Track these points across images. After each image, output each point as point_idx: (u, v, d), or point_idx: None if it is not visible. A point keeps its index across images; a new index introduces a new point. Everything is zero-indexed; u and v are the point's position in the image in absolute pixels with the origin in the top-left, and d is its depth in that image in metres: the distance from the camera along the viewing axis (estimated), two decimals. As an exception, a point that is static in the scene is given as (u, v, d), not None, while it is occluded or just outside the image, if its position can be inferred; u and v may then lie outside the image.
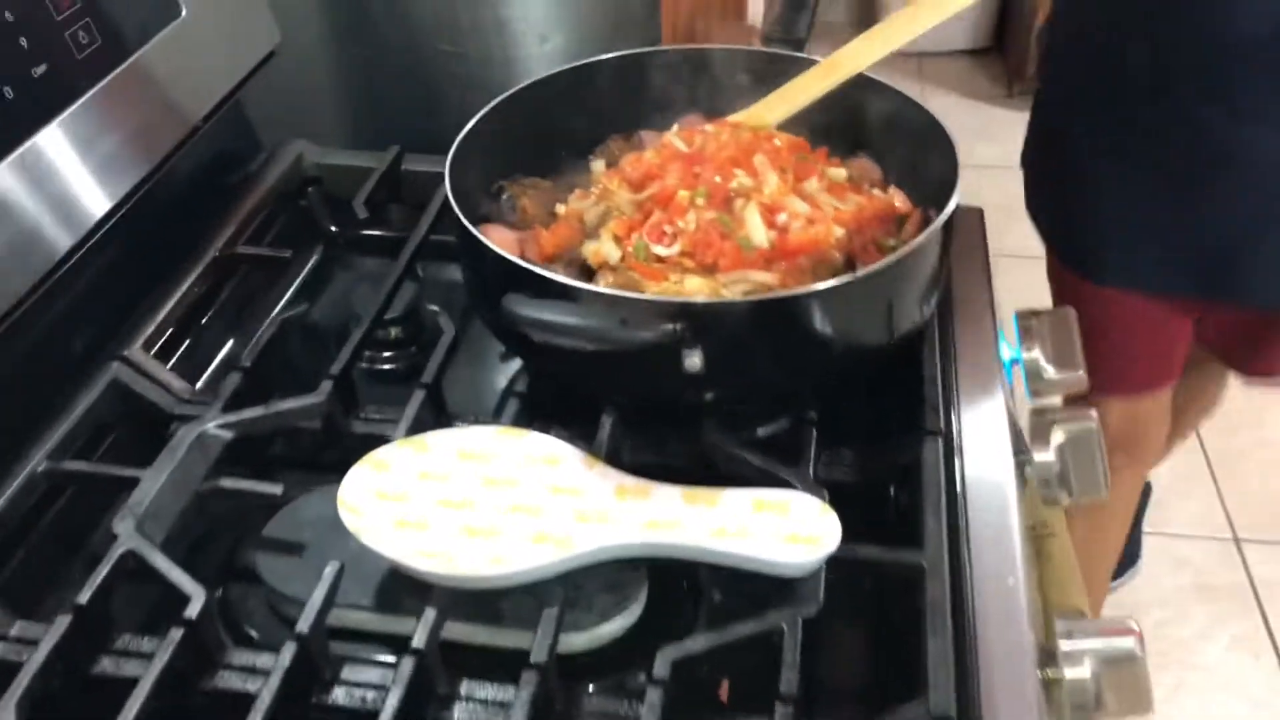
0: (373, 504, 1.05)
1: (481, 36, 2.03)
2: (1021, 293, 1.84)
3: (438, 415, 1.41)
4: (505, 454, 1.14)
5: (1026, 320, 1.63)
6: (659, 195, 1.41)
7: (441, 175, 1.74)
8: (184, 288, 1.61)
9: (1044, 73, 2.38)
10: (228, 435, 1.33)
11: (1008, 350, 1.63)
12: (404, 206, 1.85)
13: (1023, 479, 1.41)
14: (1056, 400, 1.63)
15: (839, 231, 1.41)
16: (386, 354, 1.64)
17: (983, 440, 1.32)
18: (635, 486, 1.10)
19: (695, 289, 1.33)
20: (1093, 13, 2.07)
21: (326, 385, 1.39)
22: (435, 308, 1.63)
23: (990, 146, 3.63)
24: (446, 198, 1.42)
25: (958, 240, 1.42)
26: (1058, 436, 1.44)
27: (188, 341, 1.59)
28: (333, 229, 1.87)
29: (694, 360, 1.21)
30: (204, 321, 1.64)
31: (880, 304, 1.29)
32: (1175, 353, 2.33)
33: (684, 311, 1.19)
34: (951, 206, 1.28)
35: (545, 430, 1.24)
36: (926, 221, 1.46)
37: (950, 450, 1.29)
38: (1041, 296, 2.31)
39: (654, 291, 1.33)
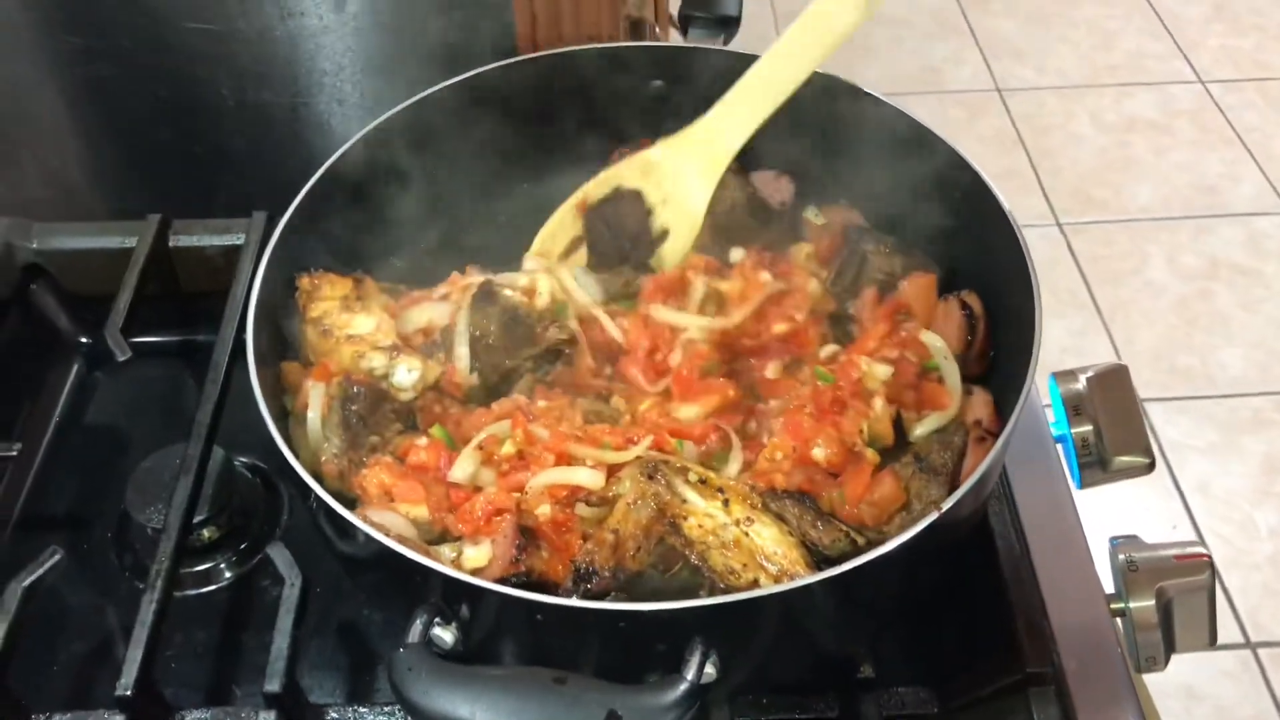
0: None
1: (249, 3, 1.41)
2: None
3: (300, 731, 0.93)
4: None
5: (1069, 384, 1.21)
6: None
7: (234, 249, 1.22)
8: None
9: None
10: None
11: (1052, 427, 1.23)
12: (183, 300, 1.28)
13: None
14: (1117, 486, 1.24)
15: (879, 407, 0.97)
16: (199, 568, 1.12)
17: (1098, 674, 0.93)
18: None
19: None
20: None
21: (115, 724, 0.89)
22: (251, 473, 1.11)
23: None
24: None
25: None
26: (1163, 592, 1.06)
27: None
28: (83, 340, 1.29)
29: (708, 670, 0.77)
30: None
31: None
32: None
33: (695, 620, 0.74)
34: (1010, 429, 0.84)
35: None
36: (968, 316, 1.01)
37: (1066, 704, 0.89)
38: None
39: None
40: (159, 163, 1.53)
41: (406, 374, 1.01)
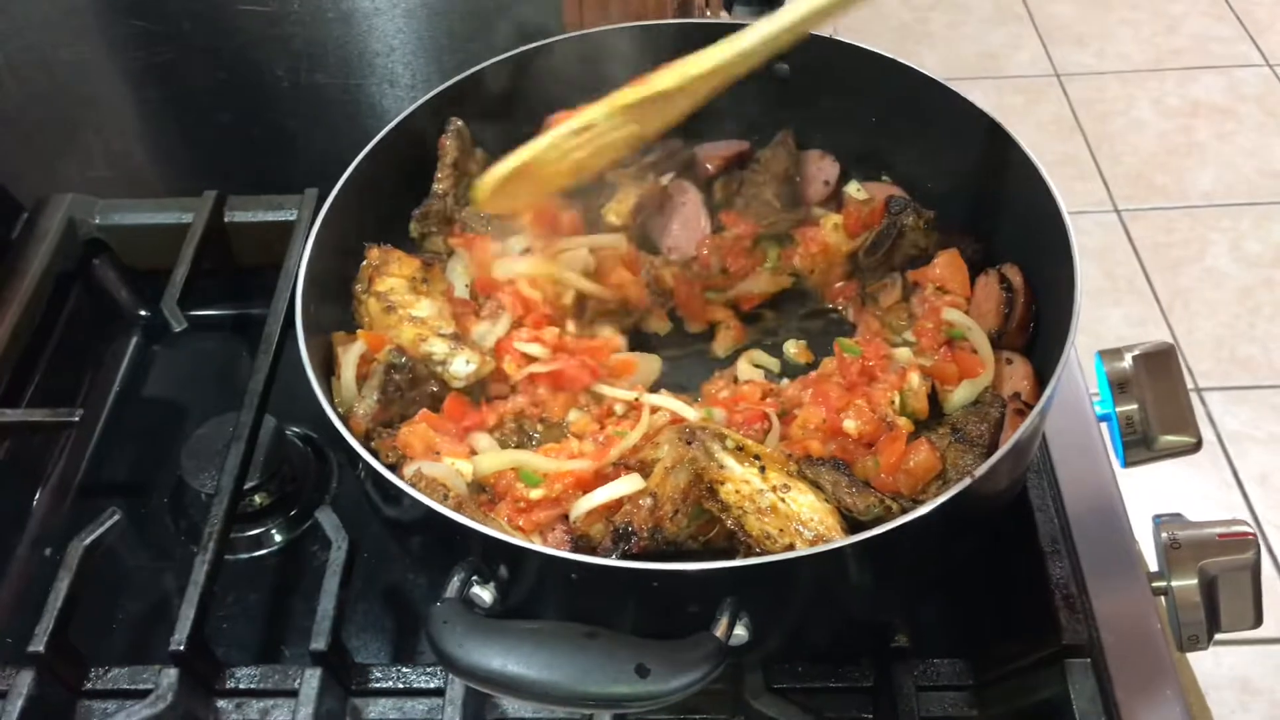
0: None
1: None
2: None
3: (344, 690, 0.95)
4: None
5: (1114, 362, 1.20)
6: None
7: (288, 224, 1.24)
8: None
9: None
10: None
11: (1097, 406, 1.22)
12: (237, 274, 1.31)
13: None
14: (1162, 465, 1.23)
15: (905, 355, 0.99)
16: (251, 532, 1.15)
17: (1137, 650, 0.92)
18: None
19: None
20: None
21: (169, 677, 0.92)
22: (302, 442, 1.14)
23: None
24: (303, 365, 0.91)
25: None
26: (1206, 571, 1.05)
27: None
28: (142, 313, 1.33)
29: (739, 632, 0.78)
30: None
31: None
32: None
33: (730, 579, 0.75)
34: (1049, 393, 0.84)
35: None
36: (1006, 289, 1.01)
37: (1103, 678, 0.89)
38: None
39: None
40: (218, 142, 1.57)
41: (465, 365, 1.02)
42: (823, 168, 1.23)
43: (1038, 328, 1.04)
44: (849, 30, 1.13)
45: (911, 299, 1.12)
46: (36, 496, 1.19)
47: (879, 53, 1.13)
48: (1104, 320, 3.24)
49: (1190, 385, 2.99)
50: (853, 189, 1.20)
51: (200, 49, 1.53)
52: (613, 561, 0.77)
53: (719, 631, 0.74)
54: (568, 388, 1.03)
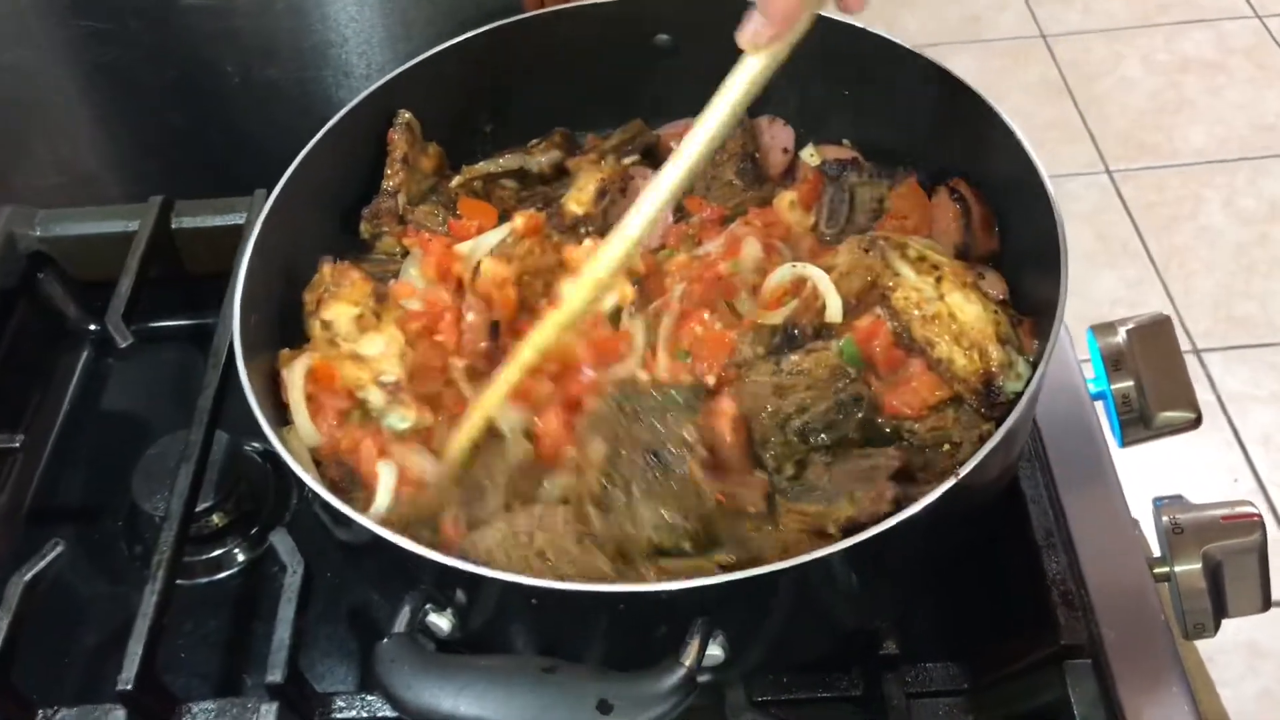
0: None
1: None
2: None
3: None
4: None
5: (1108, 338, 1.15)
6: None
7: (237, 228, 1.19)
8: None
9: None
10: None
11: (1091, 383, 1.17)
12: (189, 283, 1.26)
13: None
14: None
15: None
16: (210, 554, 1.10)
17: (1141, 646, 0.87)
18: None
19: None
20: None
21: (118, 718, 0.87)
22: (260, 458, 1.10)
23: None
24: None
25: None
26: (1210, 555, 1.00)
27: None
28: (91, 327, 1.27)
29: (715, 651, 0.73)
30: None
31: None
32: None
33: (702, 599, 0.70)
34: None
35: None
36: (957, 200, 0.98)
37: (1105, 678, 0.84)
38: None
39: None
40: (171, 145, 1.51)
41: (399, 421, 0.95)
42: (776, 135, 1.18)
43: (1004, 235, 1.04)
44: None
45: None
46: (-16, 524, 1.14)
47: (848, 21, 1.08)
48: (1098, 282, 3.18)
49: (1188, 346, 2.94)
50: (806, 154, 1.15)
51: (147, 50, 1.47)
52: (573, 586, 0.72)
53: (688, 659, 0.69)
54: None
